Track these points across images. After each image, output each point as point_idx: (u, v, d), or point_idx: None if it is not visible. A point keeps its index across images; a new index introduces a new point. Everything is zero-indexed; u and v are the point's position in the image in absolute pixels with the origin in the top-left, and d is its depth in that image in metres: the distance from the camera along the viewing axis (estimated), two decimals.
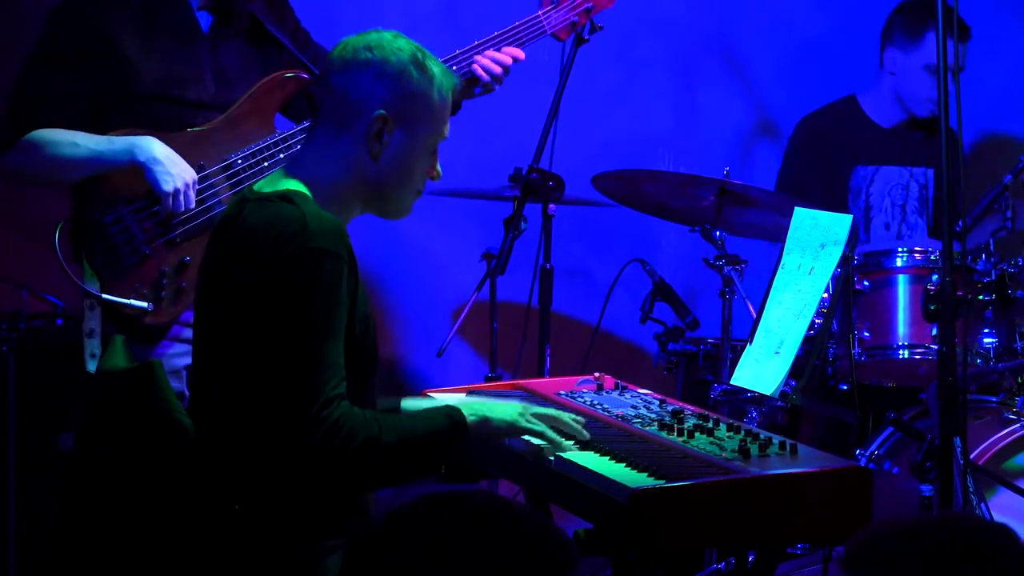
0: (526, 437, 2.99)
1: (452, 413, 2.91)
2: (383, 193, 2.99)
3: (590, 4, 4.21)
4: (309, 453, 2.74)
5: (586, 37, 4.21)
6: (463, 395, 3.32)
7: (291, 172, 2.95)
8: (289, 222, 2.79)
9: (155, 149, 3.69)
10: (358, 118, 2.93)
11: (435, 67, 2.98)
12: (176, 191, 3.68)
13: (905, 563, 2.02)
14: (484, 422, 2.95)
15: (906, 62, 4.99)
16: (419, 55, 2.97)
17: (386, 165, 2.95)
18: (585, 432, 3.01)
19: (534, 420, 3.00)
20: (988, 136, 5.59)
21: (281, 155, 3.82)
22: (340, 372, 2.78)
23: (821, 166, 5.09)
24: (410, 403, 3.20)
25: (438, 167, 3.04)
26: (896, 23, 5.03)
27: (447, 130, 3.02)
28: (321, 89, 2.98)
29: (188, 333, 3.73)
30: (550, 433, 2.98)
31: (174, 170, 3.69)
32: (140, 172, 3.68)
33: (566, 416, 3.03)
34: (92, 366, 3.69)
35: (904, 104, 5.05)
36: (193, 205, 3.73)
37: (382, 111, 2.92)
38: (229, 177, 3.80)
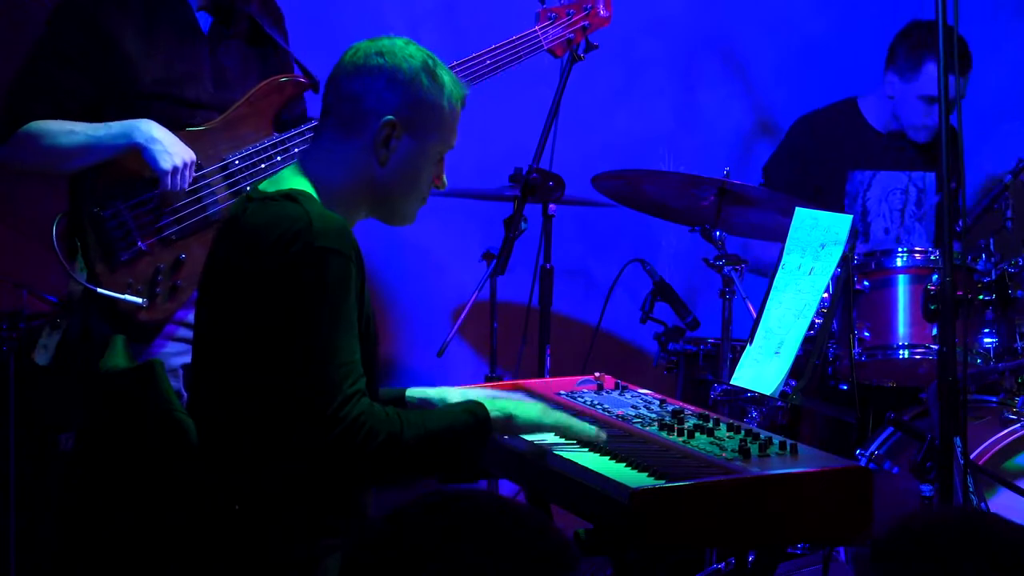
0: (536, 437, 3.00)
1: (476, 410, 2.90)
2: (388, 199, 2.99)
3: (586, 23, 4.23)
4: (329, 451, 2.73)
5: (581, 55, 4.23)
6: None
7: (297, 172, 2.96)
8: (294, 221, 2.79)
9: (152, 130, 3.70)
10: (367, 123, 2.93)
11: (446, 76, 2.98)
12: (175, 168, 3.69)
13: (929, 557, 2.02)
14: (509, 419, 2.93)
15: (903, 90, 4.99)
16: (430, 63, 2.97)
17: (393, 171, 2.96)
18: (602, 434, 2.99)
19: (557, 415, 2.99)
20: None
21: (278, 158, 3.84)
22: (357, 369, 2.77)
23: (814, 169, 5.09)
24: (415, 392, 3.20)
25: (443, 176, 3.04)
26: (897, 50, 5.03)
27: (454, 140, 3.03)
28: (330, 93, 2.99)
29: (183, 332, 3.74)
30: (574, 428, 2.97)
31: (172, 149, 3.70)
32: (138, 154, 3.69)
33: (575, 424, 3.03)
34: (41, 358, 3.70)
35: (901, 125, 5.06)
36: (187, 186, 3.73)
37: (391, 117, 2.93)
38: (226, 177, 3.81)
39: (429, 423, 2.84)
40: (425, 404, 3.18)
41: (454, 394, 3.17)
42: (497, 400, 2.98)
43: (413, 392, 3.20)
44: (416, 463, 2.82)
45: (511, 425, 2.94)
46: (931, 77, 4.90)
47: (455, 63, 3.99)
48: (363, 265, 2.84)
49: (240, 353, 2.83)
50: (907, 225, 5.08)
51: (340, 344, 2.76)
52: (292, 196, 2.86)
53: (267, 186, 2.95)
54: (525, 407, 2.98)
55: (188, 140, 3.77)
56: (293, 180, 2.94)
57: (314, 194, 2.91)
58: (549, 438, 3.02)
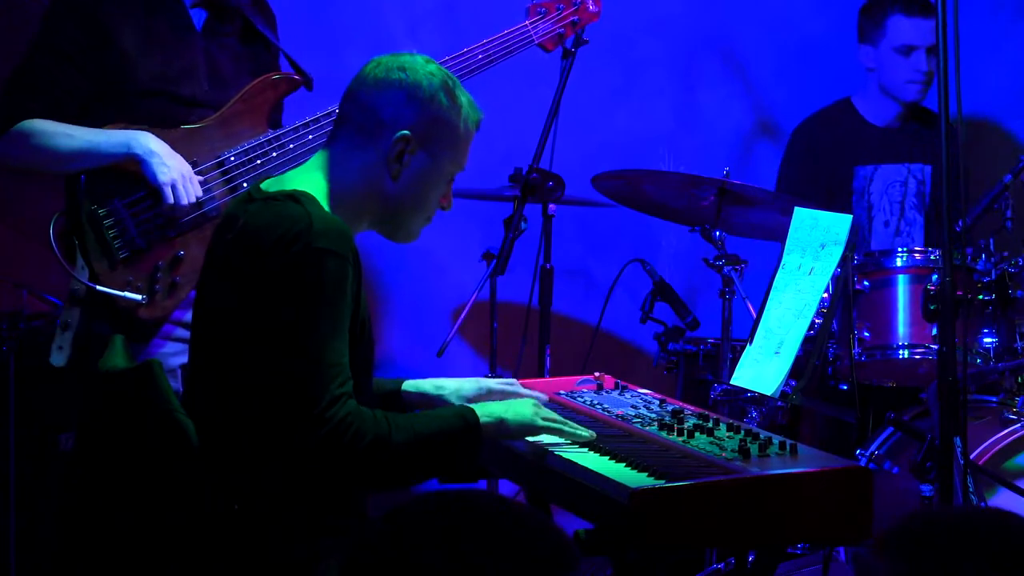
0: (536, 437, 2.99)
1: (465, 414, 2.90)
2: (395, 213, 3.01)
3: (576, 17, 4.25)
4: (316, 452, 2.73)
5: (572, 50, 4.25)
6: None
7: (310, 170, 2.97)
8: (295, 222, 2.80)
9: (151, 143, 3.71)
10: (383, 136, 2.95)
11: (463, 98, 3.02)
12: (173, 182, 3.70)
13: (940, 552, 2.02)
14: (500, 423, 2.93)
15: (878, 54, 5.07)
16: (449, 83, 3.00)
17: (404, 186, 2.98)
18: (592, 432, 3.01)
19: (549, 419, 3.00)
20: (980, 123, 5.59)
21: (273, 154, 3.84)
22: (346, 371, 2.78)
23: (822, 171, 5.10)
24: (410, 386, 3.21)
25: (451, 197, 3.07)
26: (862, 21, 5.16)
27: (466, 161, 3.05)
28: (348, 102, 3.01)
29: (181, 332, 3.74)
30: (567, 428, 2.98)
31: (170, 162, 3.70)
32: (137, 164, 3.70)
33: (569, 425, 3.03)
34: (57, 359, 3.70)
35: (891, 94, 5.09)
36: (194, 198, 3.74)
37: (407, 132, 2.95)
38: (222, 174, 3.82)
39: (418, 427, 2.84)
40: (420, 397, 3.20)
41: (449, 385, 3.18)
42: (488, 405, 2.99)
43: (408, 385, 3.21)
44: (404, 466, 2.83)
45: (503, 430, 2.94)
46: (898, 27, 5.01)
47: (447, 57, 3.99)
48: (361, 269, 2.85)
49: (237, 352, 2.83)
50: (908, 217, 5.08)
51: (331, 345, 2.77)
52: (295, 197, 2.87)
53: (270, 185, 2.96)
54: (516, 410, 2.98)
55: (184, 137, 3.77)
56: (301, 179, 2.95)
57: (322, 195, 2.92)
58: (546, 438, 3.02)
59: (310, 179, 2.96)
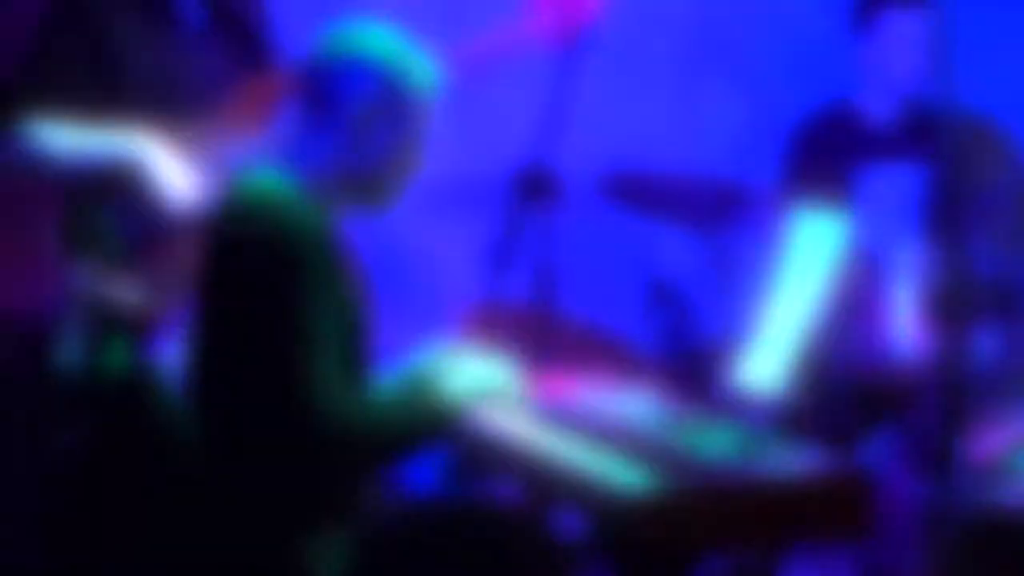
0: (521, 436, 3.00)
1: (437, 413, 2.91)
2: (366, 185, 3.02)
3: (576, 11, 4.25)
4: (303, 441, 2.75)
5: (571, 44, 4.25)
6: None
7: (274, 168, 2.98)
8: (264, 222, 2.84)
9: (149, 144, 3.71)
10: (342, 110, 2.95)
11: (418, 60, 3.02)
12: (171, 183, 3.71)
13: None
14: (470, 397, 2.95)
15: (874, 50, 5.06)
16: (403, 48, 3.03)
17: (370, 159, 2.98)
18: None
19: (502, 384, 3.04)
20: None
21: (272, 154, 3.85)
22: (328, 362, 2.80)
23: (821, 171, 5.09)
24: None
25: (420, 159, 3.06)
26: (858, 17, 5.15)
27: (430, 122, 3.05)
28: (304, 82, 3.01)
29: (181, 332, 3.75)
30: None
31: (169, 163, 3.71)
32: (135, 165, 3.71)
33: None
34: (58, 361, 3.72)
35: (889, 91, 5.09)
36: (192, 200, 3.74)
37: (366, 103, 2.94)
38: (222, 175, 3.82)
39: (396, 423, 2.85)
40: None
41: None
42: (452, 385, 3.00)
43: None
44: (390, 448, 2.83)
45: (473, 400, 2.96)
46: (890, 23, 4.98)
47: (445, 53, 4.00)
48: (337, 256, 2.88)
49: (229, 352, 2.85)
50: (908, 217, 5.08)
51: (312, 336, 2.79)
52: (264, 193, 2.89)
53: (241, 184, 2.98)
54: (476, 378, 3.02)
55: (183, 138, 3.78)
56: (268, 177, 2.96)
57: (292, 186, 2.93)
58: (537, 436, 3.01)
59: (279, 172, 2.97)
